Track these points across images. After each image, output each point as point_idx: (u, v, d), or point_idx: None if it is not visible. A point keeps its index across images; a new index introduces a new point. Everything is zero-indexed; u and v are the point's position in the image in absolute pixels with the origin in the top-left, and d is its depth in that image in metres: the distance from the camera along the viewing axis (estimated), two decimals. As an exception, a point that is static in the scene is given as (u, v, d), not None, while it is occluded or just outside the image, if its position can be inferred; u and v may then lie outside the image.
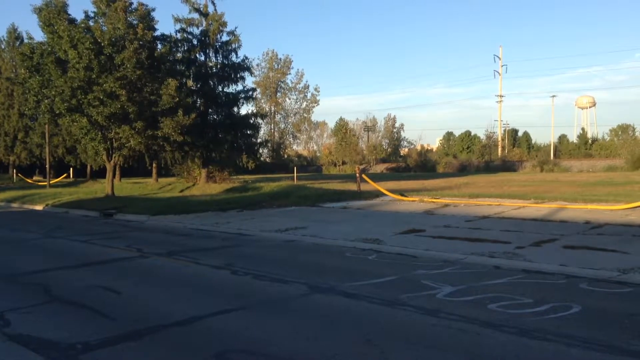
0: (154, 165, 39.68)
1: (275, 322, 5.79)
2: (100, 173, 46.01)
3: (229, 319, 5.96)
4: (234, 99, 32.33)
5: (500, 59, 77.00)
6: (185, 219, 16.80)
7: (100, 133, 26.05)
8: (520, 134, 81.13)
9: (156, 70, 26.75)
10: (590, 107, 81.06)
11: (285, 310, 6.30)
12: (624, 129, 70.40)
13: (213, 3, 31.70)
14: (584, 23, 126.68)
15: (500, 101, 78.21)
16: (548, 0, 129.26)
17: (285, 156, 75.80)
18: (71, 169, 54.24)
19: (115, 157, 27.89)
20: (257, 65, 78.44)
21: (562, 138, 74.73)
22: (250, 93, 33.66)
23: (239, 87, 32.73)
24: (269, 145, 67.49)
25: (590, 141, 68.79)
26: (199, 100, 31.89)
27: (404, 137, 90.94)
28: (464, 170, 60.13)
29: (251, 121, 32.90)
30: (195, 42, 31.52)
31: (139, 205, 20.68)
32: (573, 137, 74.93)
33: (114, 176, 29.61)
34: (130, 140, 25.50)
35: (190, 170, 33.91)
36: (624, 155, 53.26)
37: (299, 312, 6.22)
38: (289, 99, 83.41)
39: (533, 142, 78.90)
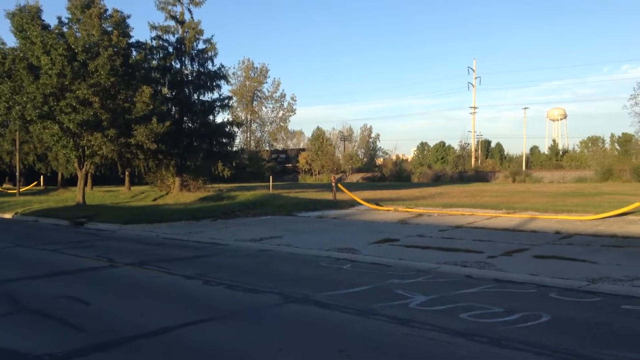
0: (126, 173, 39.15)
1: (248, 333, 5.74)
2: (71, 181, 45.20)
3: (200, 329, 5.88)
4: (210, 107, 32.13)
5: (474, 71, 78.29)
6: (158, 228, 16.59)
7: (72, 140, 25.62)
8: (493, 145, 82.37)
9: (130, 78, 26.48)
10: (561, 119, 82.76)
11: (258, 321, 6.25)
12: (593, 141, 72.02)
13: (189, 11, 31.56)
14: (556, 37, 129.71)
15: (474, 113, 79.42)
16: (520, 14, 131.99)
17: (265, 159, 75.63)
18: (42, 176, 53.20)
19: (87, 165, 27.46)
20: (234, 73, 78.25)
21: (534, 149, 76.06)
22: (226, 101, 33.51)
23: (215, 95, 32.57)
24: (245, 153, 67.23)
25: (561, 152, 70.11)
26: (174, 108, 31.63)
27: (380, 147, 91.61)
28: (438, 180, 60.70)
29: (227, 129, 32.73)
30: (171, 49, 31.30)
31: (110, 214, 20.37)
32: (544, 149, 76.43)
33: (85, 184, 29.14)
34: (102, 148, 25.15)
35: (163, 178, 33.53)
36: (594, 166, 54.42)
37: (272, 322, 6.17)
38: (266, 107, 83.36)
39: (505, 153, 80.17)
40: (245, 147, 75.79)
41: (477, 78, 78.18)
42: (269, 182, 35.05)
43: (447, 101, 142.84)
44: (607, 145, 69.92)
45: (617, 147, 66.00)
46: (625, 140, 61.77)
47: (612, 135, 70.05)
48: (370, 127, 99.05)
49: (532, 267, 8.99)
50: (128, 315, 6.58)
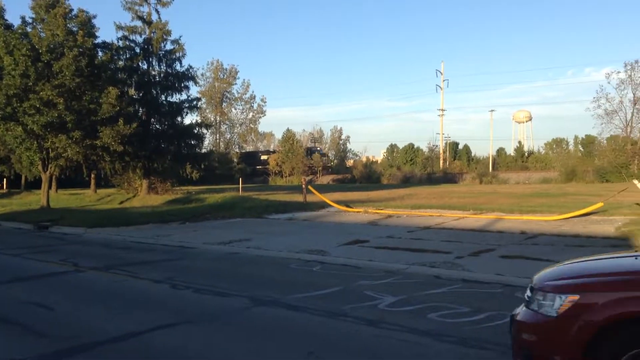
0: (92, 176, 38.42)
1: (216, 337, 5.69)
2: (35, 184, 44.04)
3: (167, 334, 5.80)
4: (178, 109, 31.79)
5: (442, 73, 79.33)
6: (125, 231, 16.32)
7: (35, 142, 25.03)
8: (460, 146, 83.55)
9: (96, 78, 26.00)
10: (526, 122, 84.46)
11: (227, 324, 6.20)
12: (558, 143, 73.76)
13: (157, 11, 31.17)
14: (521, 41, 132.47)
15: (442, 115, 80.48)
16: (487, 17, 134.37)
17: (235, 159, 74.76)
18: (4, 179, 51.73)
19: (51, 167, 26.85)
20: (202, 74, 77.58)
21: (500, 151, 77.40)
22: (195, 102, 33.20)
23: (183, 96, 32.23)
24: (214, 155, 66.74)
25: (526, 154, 71.49)
26: (141, 109, 31.19)
27: (350, 149, 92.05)
28: (407, 181, 61.26)
29: (195, 131, 32.41)
30: (137, 50, 30.86)
31: (75, 217, 19.95)
32: (510, 150, 77.78)
33: (50, 187, 28.49)
34: (67, 150, 24.62)
35: (130, 181, 32.98)
36: (558, 168, 55.68)
37: (241, 325, 6.13)
38: (235, 109, 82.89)
39: (473, 154, 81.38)
40: (214, 149, 75.22)
41: (445, 81, 79.30)
42: (239, 184, 34.83)
43: (416, 103, 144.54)
44: (571, 147, 71.78)
45: (581, 148, 67.76)
46: (588, 142, 63.44)
47: (576, 137, 72.00)
48: (341, 129, 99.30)
49: (499, 267, 9.14)
50: (94, 320, 6.45)
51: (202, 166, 34.13)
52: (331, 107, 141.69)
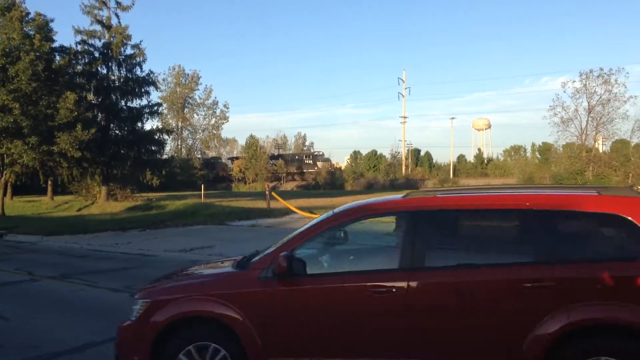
0: (49, 182, 37.36)
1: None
2: (-12, 191, 42.57)
3: (127, 343, 5.70)
4: (138, 114, 31.29)
5: (404, 81, 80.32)
6: (82, 239, 15.95)
7: (-11, 148, 24.25)
8: (422, 153, 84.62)
9: (54, 83, 25.41)
10: (486, 129, 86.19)
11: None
12: (516, 150, 75.52)
13: (117, 15, 30.65)
14: (480, 50, 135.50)
15: (404, 122, 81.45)
16: (447, 27, 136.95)
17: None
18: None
19: (6, 174, 26.03)
20: (164, 80, 76.40)
21: (461, 158, 78.70)
22: (156, 108, 32.74)
23: (144, 101, 31.74)
24: (176, 161, 65.87)
25: (486, 161, 72.94)
26: (100, 114, 30.57)
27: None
28: (370, 188, 61.72)
29: (156, 137, 31.93)
30: (97, 54, 30.27)
31: (31, 225, 19.39)
32: (471, 157, 79.16)
33: (5, 194, 27.61)
34: (23, 156, 23.92)
35: (89, 187, 32.24)
36: (516, 174, 56.94)
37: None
38: (197, 114, 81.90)
39: (434, 161, 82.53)
40: (175, 155, 74.21)
41: (407, 89, 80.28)
42: (201, 190, 34.46)
43: (379, 111, 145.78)
44: (529, 154, 73.49)
45: (538, 155, 69.50)
46: (545, 149, 65.11)
47: (533, 145, 73.70)
48: (304, 136, 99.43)
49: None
50: (50, 330, 6.30)
51: (163, 172, 33.68)
52: (295, 113, 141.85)
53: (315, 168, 71.43)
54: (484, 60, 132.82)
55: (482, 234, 4.19)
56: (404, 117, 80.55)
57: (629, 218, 3.67)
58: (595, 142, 52.76)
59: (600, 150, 52.96)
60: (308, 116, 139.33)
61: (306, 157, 73.79)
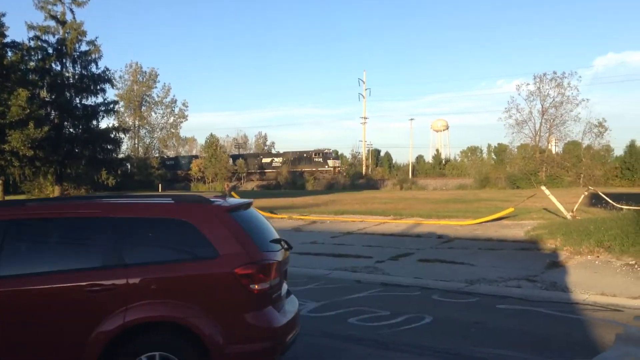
0: (0, 182, 36.04)
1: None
2: None
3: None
4: (93, 112, 30.50)
5: (364, 82, 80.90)
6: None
7: None
8: (382, 154, 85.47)
9: (5, 79, 24.52)
10: (443, 130, 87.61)
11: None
12: (472, 151, 77.13)
13: (71, 11, 29.80)
14: (439, 52, 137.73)
15: (365, 123, 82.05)
16: (407, 29, 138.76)
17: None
18: None
19: (-49, 172, 24.96)
20: (120, 77, 74.68)
21: (420, 158, 79.83)
22: (112, 106, 31.99)
23: (99, 99, 30.96)
24: (133, 160, 64.50)
25: (443, 162, 74.16)
26: (53, 112, 29.67)
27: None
28: (331, 188, 61.81)
29: (112, 135, 31.21)
30: (50, 50, 29.37)
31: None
32: (429, 158, 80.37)
33: (-51, 194, 26.44)
34: (-30, 154, 23.01)
35: (42, 187, 31.25)
36: (473, 175, 58.15)
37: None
38: (155, 113, 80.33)
39: (394, 161, 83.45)
40: (132, 154, 72.67)
41: (367, 89, 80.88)
42: (159, 190, 33.84)
43: (340, 111, 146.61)
44: (485, 155, 75.17)
45: (494, 156, 71.13)
46: (500, 150, 66.70)
47: (489, 146, 75.44)
48: (265, 135, 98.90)
49: (417, 271, 9.41)
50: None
51: (119, 172, 32.92)
52: (255, 112, 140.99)
53: (326, 167, 68.37)
54: (442, 63, 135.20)
55: (59, 242, 4.21)
56: (365, 118, 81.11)
57: (191, 223, 3.98)
58: (548, 143, 54.34)
59: (553, 152, 54.56)
60: (269, 115, 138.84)
61: (316, 155, 70.09)
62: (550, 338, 5.65)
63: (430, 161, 76.78)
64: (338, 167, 70.18)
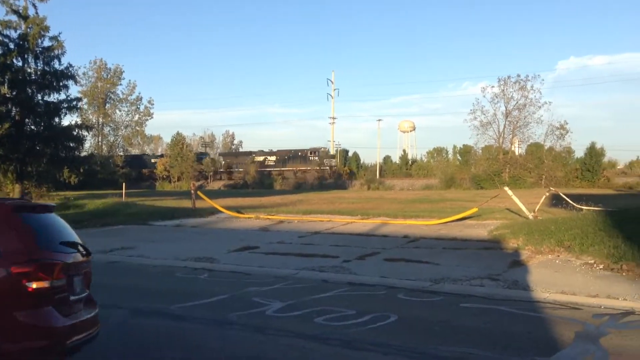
0: (-45, 180, 34.85)
1: (91, 352, 5.33)
2: None
3: (37, 351, 5.35)
4: (56, 109, 29.65)
5: (332, 82, 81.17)
6: (-8, 240, 14.91)
7: None
8: (350, 154, 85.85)
9: (-38, 74, 23.64)
10: (410, 131, 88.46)
11: (105, 338, 5.83)
12: (438, 152, 78.09)
13: (34, 6, 28.84)
14: (406, 54, 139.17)
15: (333, 123, 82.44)
16: (371, 30, 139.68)
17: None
18: None
19: None
20: (84, 74, 72.99)
21: (387, 159, 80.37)
22: (75, 103, 31.10)
23: (62, 96, 30.11)
24: (96, 159, 63.14)
25: (410, 162, 74.86)
26: (14, 109, 28.72)
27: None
28: (299, 187, 61.78)
29: (75, 133, 30.35)
30: (12, 46, 28.40)
31: None
32: (396, 158, 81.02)
33: None
34: None
35: (1, 185, 30.28)
36: (439, 175, 58.94)
37: (120, 339, 5.81)
38: (120, 110, 78.85)
39: (362, 162, 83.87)
40: (96, 152, 71.16)
41: (336, 90, 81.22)
42: (122, 189, 33.20)
43: (308, 111, 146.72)
44: (450, 156, 76.23)
45: (459, 157, 72.16)
46: (465, 151, 67.74)
47: (455, 147, 76.43)
48: (233, 134, 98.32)
49: (383, 270, 9.48)
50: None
51: (82, 170, 32.07)
52: (223, 111, 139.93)
53: (322, 166, 67.52)
54: (410, 65, 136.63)
55: None
56: (333, 118, 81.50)
57: None
58: (511, 145, 55.52)
59: (516, 153, 55.76)
60: (237, 114, 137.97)
61: (311, 153, 68.89)
62: (512, 336, 5.76)
63: (398, 162, 77.40)
64: (334, 166, 69.46)
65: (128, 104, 78.47)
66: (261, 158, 71.50)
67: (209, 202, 23.84)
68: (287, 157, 69.47)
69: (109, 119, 77.52)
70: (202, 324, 6.28)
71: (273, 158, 70.25)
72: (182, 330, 6.08)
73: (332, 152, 78.89)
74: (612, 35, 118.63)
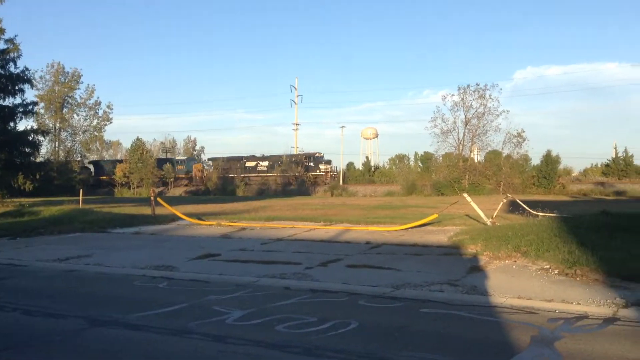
0: None
1: (45, 364, 5.18)
2: None
3: (-14, 365, 5.16)
4: (11, 113, 28.86)
5: (296, 89, 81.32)
6: (-60, 249, 14.31)
7: None
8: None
9: None
10: (373, 138, 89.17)
11: (59, 349, 5.67)
12: (400, 159, 78.90)
13: (-12, 7, 28.08)
14: (369, 62, 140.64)
15: (296, 129, 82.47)
16: (330, 37, 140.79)
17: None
18: None
19: None
20: (41, 77, 71.13)
21: (350, 165, 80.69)
22: (31, 107, 30.37)
23: (18, 100, 29.33)
24: (52, 164, 61.49)
25: (373, 169, 75.38)
26: (-34, 112, 27.79)
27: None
28: (262, 193, 61.46)
29: (30, 138, 29.60)
30: (-36, 48, 27.55)
31: None
32: (359, 165, 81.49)
33: None
34: None
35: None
36: (401, 181, 59.50)
37: (74, 349, 5.65)
38: (78, 115, 76.97)
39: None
40: (53, 157, 69.27)
41: (300, 96, 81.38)
42: (79, 195, 32.37)
43: (272, 116, 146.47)
44: (412, 163, 77.14)
45: (420, 164, 73.13)
46: (426, 158, 68.70)
47: (416, 154, 77.40)
48: (195, 139, 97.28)
49: (345, 276, 9.50)
50: None
51: (38, 176, 31.20)
52: (185, 117, 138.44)
53: (318, 171, 65.92)
54: (373, 73, 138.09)
55: None
56: (296, 124, 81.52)
57: None
58: (471, 152, 56.59)
59: (476, 160, 56.87)
60: (199, 120, 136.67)
61: (306, 159, 67.44)
62: (470, 341, 5.85)
63: (361, 168, 77.86)
64: (330, 171, 68.39)
65: (86, 109, 76.76)
66: (253, 163, 69.84)
67: (169, 209, 23.48)
68: (281, 162, 67.95)
69: (67, 123, 75.63)
70: (161, 333, 6.16)
71: (265, 163, 68.63)
72: (139, 339, 5.96)
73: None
74: (567, 46, 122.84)
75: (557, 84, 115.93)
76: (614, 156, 61.47)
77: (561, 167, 57.42)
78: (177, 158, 78.30)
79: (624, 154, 59.66)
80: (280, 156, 69.75)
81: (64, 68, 73.97)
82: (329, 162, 70.54)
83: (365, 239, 14.82)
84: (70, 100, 75.39)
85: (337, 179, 68.41)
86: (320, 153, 70.17)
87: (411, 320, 6.78)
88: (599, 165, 67.00)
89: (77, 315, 7.02)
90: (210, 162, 74.61)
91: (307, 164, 67.16)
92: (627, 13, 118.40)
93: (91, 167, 74.98)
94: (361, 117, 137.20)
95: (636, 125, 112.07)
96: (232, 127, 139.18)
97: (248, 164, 69.93)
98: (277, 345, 5.62)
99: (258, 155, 71.88)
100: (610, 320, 6.57)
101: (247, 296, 8.19)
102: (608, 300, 7.42)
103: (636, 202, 33.89)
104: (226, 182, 67.28)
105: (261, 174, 67.78)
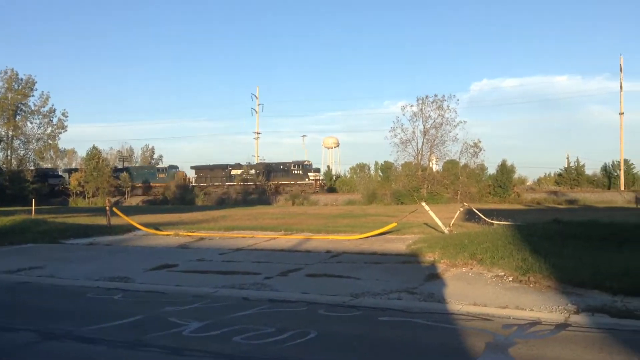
0: None
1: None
2: None
3: None
4: (-42, 120, 27.77)
5: (257, 98, 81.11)
6: None
7: None
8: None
9: None
10: (334, 147, 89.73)
11: (6, 365, 5.47)
12: (361, 168, 79.55)
13: None
14: (331, 72, 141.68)
15: (257, 138, 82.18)
16: (299, 49, 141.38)
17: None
18: None
19: None
20: (-7, 84, 68.79)
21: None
22: (-19, 114, 29.31)
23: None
24: (4, 173, 59.40)
25: (334, 178, 75.80)
26: None
27: (163, 169, 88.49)
28: (222, 203, 60.80)
29: (-20, 146, 28.55)
30: None
31: None
32: (321, 174, 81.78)
33: None
34: None
35: None
36: (361, 190, 59.91)
37: (24, 365, 5.46)
38: (31, 123, 74.51)
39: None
40: (4, 166, 66.90)
41: (260, 105, 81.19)
42: (32, 205, 31.35)
43: (233, 125, 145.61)
44: (372, 172, 77.84)
45: (380, 173, 73.84)
46: (386, 168, 69.39)
47: (376, 163, 78.17)
48: (152, 148, 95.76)
49: (305, 286, 9.49)
50: None
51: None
52: (143, 125, 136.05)
53: (307, 180, 64.46)
54: (334, 83, 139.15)
55: None
56: (257, 133, 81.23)
57: None
58: (429, 162, 57.46)
59: (434, 170, 57.80)
60: (157, 127, 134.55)
61: (294, 166, 65.86)
62: (427, 348, 5.93)
63: (322, 177, 78.09)
64: (319, 180, 67.27)
65: (40, 116, 74.37)
66: (239, 171, 68.10)
67: (125, 219, 22.97)
68: (268, 171, 66.64)
69: (20, 131, 73.14)
70: (115, 346, 6.01)
71: (252, 171, 67.11)
72: (93, 353, 5.80)
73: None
74: (522, 59, 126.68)
75: (512, 96, 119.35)
76: (566, 166, 63.59)
77: (516, 176, 58.93)
78: (158, 166, 76.94)
79: (576, 163, 61.82)
80: (267, 164, 68.84)
81: (17, 75, 71.68)
82: (317, 170, 69.72)
83: (326, 248, 14.84)
84: (23, 108, 72.99)
85: (325, 187, 67.78)
86: (309, 161, 69.46)
87: (370, 328, 6.82)
88: (552, 175, 69.23)
89: (29, 328, 6.78)
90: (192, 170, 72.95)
91: (295, 171, 66.14)
92: (579, 27, 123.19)
93: (66, 174, 72.06)
94: (323, 126, 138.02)
95: (587, 136, 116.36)
96: (192, 135, 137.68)
97: (234, 172, 68.45)
98: (235, 356, 5.57)
99: (244, 163, 70.71)
100: (562, 326, 6.76)
101: (205, 307, 8.08)
102: (560, 307, 7.64)
103: (587, 210, 35.06)
104: (185, 192, 66.32)
105: (250, 182, 66.11)
